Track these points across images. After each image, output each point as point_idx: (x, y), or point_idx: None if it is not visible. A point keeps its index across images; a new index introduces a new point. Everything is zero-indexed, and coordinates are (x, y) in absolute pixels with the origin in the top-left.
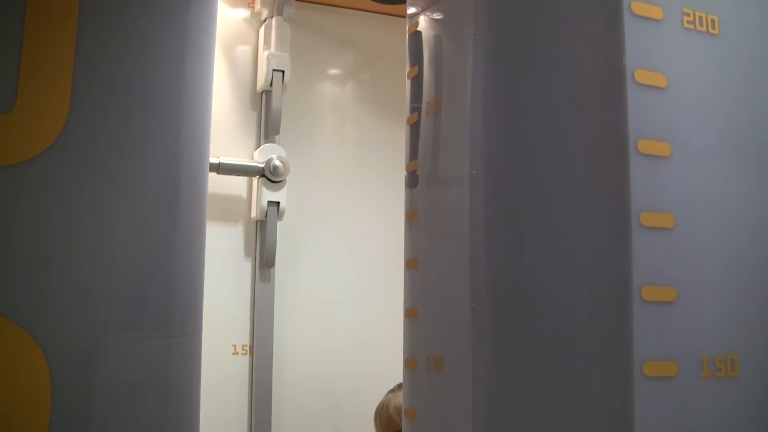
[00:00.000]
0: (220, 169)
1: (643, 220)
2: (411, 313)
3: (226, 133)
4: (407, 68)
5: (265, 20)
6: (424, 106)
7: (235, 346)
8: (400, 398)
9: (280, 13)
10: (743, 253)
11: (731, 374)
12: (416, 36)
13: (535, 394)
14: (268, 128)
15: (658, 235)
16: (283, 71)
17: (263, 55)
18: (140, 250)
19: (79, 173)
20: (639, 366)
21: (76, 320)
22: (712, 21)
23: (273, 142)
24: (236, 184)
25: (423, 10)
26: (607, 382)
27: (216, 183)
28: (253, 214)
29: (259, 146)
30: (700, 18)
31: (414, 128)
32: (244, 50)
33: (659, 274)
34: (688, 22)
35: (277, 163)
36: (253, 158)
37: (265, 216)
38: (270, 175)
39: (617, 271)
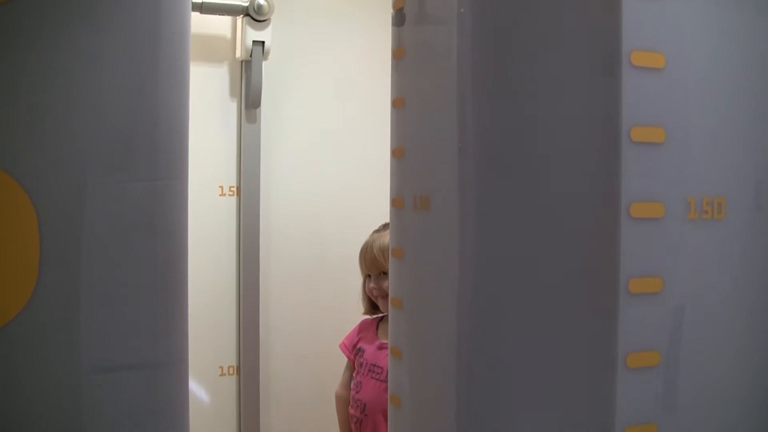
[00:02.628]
0: (203, 8)
1: (634, 60)
2: (398, 153)
3: None
4: None
5: None
6: None
7: (222, 187)
8: (384, 239)
9: None
10: (734, 94)
11: (718, 217)
12: None
13: (521, 232)
14: None
15: (648, 75)
16: None
17: None
18: (123, 93)
19: (55, 16)
20: (626, 206)
21: (61, 164)
22: None
23: None
24: (220, 24)
25: None
26: (594, 223)
27: (199, 23)
28: (238, 54)
29: None
30: None
31: None
32: None
33: (648, 115)
34: None
35: (262, 1)
36: None
37: (250, 56)
38: (254, 14)
39: (605, 112)
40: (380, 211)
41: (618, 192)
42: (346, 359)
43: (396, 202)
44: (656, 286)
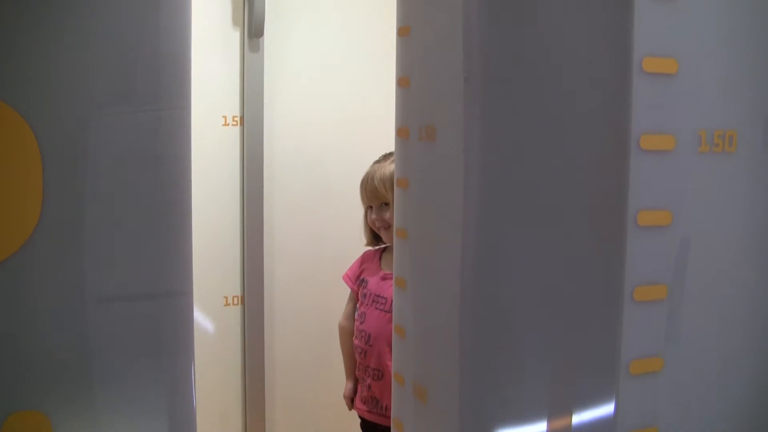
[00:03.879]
0: None
1: None
2: (403, 82)
3: None
4: None
5: None
6: None
7: (225, 117)
8: (385, 169)
9: None
10: (748, 27)
11: (729, 150)
12: None
13: (527, 162)
14: None
15: (662, 4)
16: None
17: None
18: (125, 22)
19: None
20: (636, 138)
21: (63, 95)
22: None
23: None
24: None
25: None
26: (601, 154)
27: None
28: None
29: None
30: None
31: None
32: None
33: (661, 45)
34: None
35: None
36: None
37: None
38: None
39: (616, 41)
40: (384, 141)
41: (628, 123)
42: (348, 290)
43: (401, 132)
44: (665, 219)
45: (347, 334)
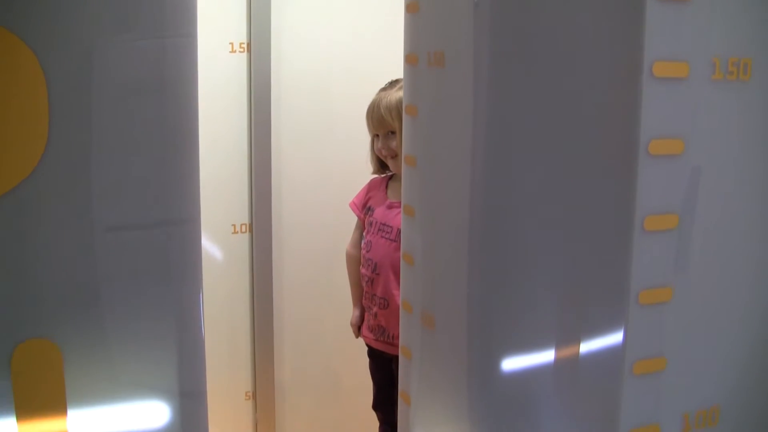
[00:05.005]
0: None
1: None
2: (412, 8)
3: None
4: None
5: None
6: None
7: (232, 44)
8: (391, 97)
9: None
10: None
11: (743, 78)
12: None
13: (536, 88)
14: None
15: None
16: None
17: None
18: None
19: None
20: (649, 65)
21: (68, 24)
22: None
23: None
24: None
25: None
26: (614, 81)
27: None
28: None
29: None
30: None
31: None
32: None
33: None
34: None
35: None
36: None
37: None
38: None
39: None
40: (392, 68)
41: (640, 51)
42: (356, 217)
43: (409, 58)
44: (677, 148)
45: (354, 261)
